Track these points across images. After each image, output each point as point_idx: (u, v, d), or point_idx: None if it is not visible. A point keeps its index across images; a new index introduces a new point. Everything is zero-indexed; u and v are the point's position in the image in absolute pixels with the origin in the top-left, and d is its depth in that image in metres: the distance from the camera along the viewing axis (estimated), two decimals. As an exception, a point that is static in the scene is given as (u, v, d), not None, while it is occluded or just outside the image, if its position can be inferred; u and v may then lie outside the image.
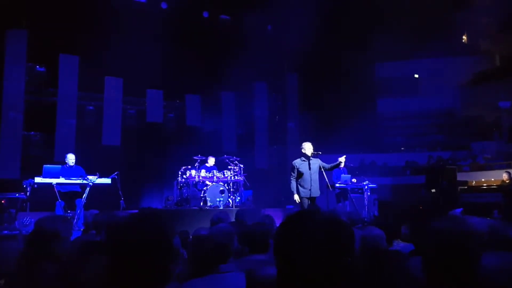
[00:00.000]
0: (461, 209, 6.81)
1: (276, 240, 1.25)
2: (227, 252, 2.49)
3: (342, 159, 7.41)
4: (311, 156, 7.22)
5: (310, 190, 7.12)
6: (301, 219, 1.24)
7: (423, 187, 11.04)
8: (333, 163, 7.46)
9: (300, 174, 7.20)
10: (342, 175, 9.80)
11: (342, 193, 9.75)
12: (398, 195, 12.98)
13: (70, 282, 1.93)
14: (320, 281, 1.16)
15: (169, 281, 1.41)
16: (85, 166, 8.74)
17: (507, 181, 10.71)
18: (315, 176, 7.20)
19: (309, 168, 7.16)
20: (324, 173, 7.36)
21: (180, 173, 10.24)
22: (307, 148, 7.24)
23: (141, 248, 1.35)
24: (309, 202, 7.17)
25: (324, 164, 7.37)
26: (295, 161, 7.36)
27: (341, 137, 12.90)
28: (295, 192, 7.27)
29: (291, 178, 7.32)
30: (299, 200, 7.25)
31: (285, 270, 1.20)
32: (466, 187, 10.58)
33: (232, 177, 10.37)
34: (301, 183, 7.20)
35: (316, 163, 7.27)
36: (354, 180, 9.80)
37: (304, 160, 7.24)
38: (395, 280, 1.95)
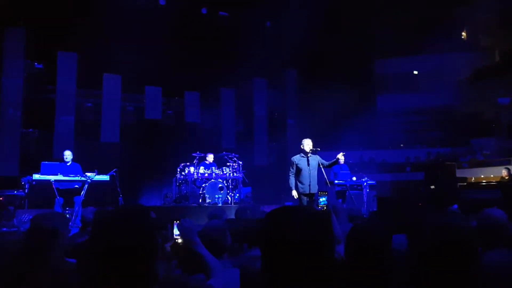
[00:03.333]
0: (456, 205, 6.79)
1: (260, 234, 1.26)
2: (220, 248, 2.49)
3: (340, 155, 7.47)
4: (310, 152, 7.24)
5: (309, 186, 7.14)
6: (284, 214, 1.25)
7: (422, 184, 11.02)
8: (331, 160, 7.47)
9: (299, 170, 7.23)
10: (341, 171, 9.80)
11: (341, 190, 9.75)
12: (397, 192, 12.98)
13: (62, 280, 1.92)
14: (304, 276, 1.17)
15: (155, 280, 1.39)
16: (84, 163, 8.71)
17: (506, 178, 10.71)
18: (314, 172, 7.21)
19: (308, 164, 7.18)
20: (323, 169, 7.37)
21: (179, 170, 10.24)
22: (306, 144, 7.26)
23: (124, 245, 1.33)
24: (307, 199, 7.18)
25: (323, 161, 7.38)
26: (294, 157, 7.39)
27: (340, 133, 12.91)
28: (293, 188, 7.32)
29: (290, 174, 7.36)
30: (297, 196, 7.29)
31: (269, 264, 1.21)
32: (465, 184, 10.57)
33: (231, 174, 10.38)
34: (300, 179, 7.23)
35: (315, 159, 7.29)
36: (354, 178, 9.78)
37: (303, 156, 7.27)
38: (391, 277, 1.94)
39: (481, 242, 2.43)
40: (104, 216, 1.41)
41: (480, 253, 1.53)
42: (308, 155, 7.23)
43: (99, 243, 1.35)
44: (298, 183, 7.26)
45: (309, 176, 7.15)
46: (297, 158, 7.32)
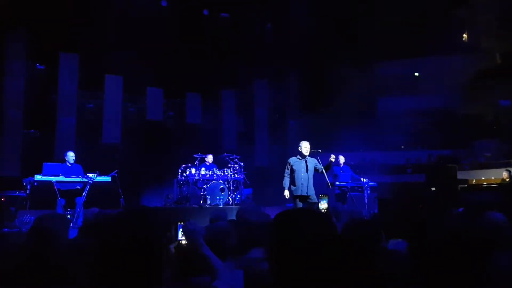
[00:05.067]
0: (462, 208, 6.79)
1: (268, 236, 1.28)
2: (225, 250, 2.49)
3: (332, 158, 7.50)
4: (308, 155, 7.28)
5: (301, 188, 7.18)
6: (292, 216, 1.27)
7: (423, 186, 11.02)
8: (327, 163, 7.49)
9: (293, 172, 7.28)
10: (342, 173, 9.80)
11: (342, 192, 9.75)
12: (398, 194, 12.96)
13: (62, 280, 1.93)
14: (313, 276, 1.18)
15: (159, 282, 1.39)
16: (85, 164, 8.73)
17: (507, 180, 10.70)
18: (309, 175, 7.24)
19: (304, 167, 7.23)
20: (324, 172, 7.41)
21: (180, 171, 10.24)
22: (304, 147, 7.31)
23: (128, 248, 1.33)
24: (301, 201, 7.21)
25: (320, 165, 7.42)
26: (291, 158, 7.46)
27: (341, 135, 12.90)
28: (286, 188, 7.41)
29: (285, 175, 7.42)
30: (288, 196, 7.37)
31: (278, 265, 1.22)
32: (466, 186, 10.57)
33: (232, 175, 10.38)
34: (293, 181, 7.28)
35: (312, 162, 7.33)
36: (363, 179, 9.72)
37: (299, 159, 7.31)
38: (393, 279, 1.95)
39: (486, 245, 2.43)
40: (108, 218, 1.41)
41: (486, 256, 1.53)
42: (305, 157, 7.27)
43: (103, 244, 1.36)
44: (292, 185, 7.32)
45: (302, 178, 7.20)
46: (293, 160, 7.38)
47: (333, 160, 7.51)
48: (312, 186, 7.27)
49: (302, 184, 7.18)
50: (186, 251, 2.31)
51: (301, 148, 7.32)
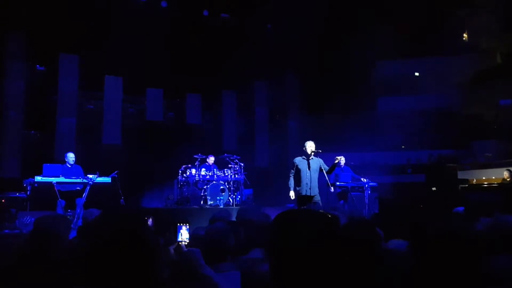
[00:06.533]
0: (463, 207, 6.78)
1: (269, 237, 1.27)
2: (224, 250, 2.49)
3: (339, 158, 7.51)
4: (312, 155, 7.28)
5: (306, 188, 7.18)
6: (293, 217, 1.26)
7: (424, 186, 11.02)
8: (331, 164, 7.49)
9: (298, 172, 7.29)
10: (342, 173, 9.80)
11: (343, 192, 9.75)
12: (399, 194, 12.95)
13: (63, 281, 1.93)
14: (313, 277, 1.17)
15: (158, 283, 1.38)
16: (85, 165, 8.73)
17: (508, 179, 10.69)
18: (314, 175, 7.24)
19: (308, 167, 7.23)
20: (324, 172, 7.41)
21: (180, 172, 10.25)
22: (308, 146, 7.33)
23: (112, 249, 1.31)
24: (307, 201, 7.21)
25: (325, 166, 7.41)
26: (296, 158, 7.48)
27: (341, 135, 12.90)
28: (291, 188, 7.43)
29: (290, 175, 7.45)
30: (294, 197, 7.35)
31: (278, 266, 1.22)
32: (466, 185, 10.56)
33: (233, 176, 10.39)
34: (299, 181, 7.28)
35: (316, 162, 7.33)
36: (364, 179, 9.71)
37: (304, 158, 7.32)
38: (393, 279, 1.95)
39: (495, 247, 2.40)
40: (104, 218, 1.41)
41: (488, 257, 1.52)
42: (310, 157, 7.28)
43: (99, 244, 1.35)
44: (296, 185, 7.33)
45: (306, 178, 7.20)
46: (298, 160, 7.40)
47: (338, 159, 7.52)
48: (316, 186, 7.27)
49: (306, 184, 7.18)
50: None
51: (305, 148, 7.33)
